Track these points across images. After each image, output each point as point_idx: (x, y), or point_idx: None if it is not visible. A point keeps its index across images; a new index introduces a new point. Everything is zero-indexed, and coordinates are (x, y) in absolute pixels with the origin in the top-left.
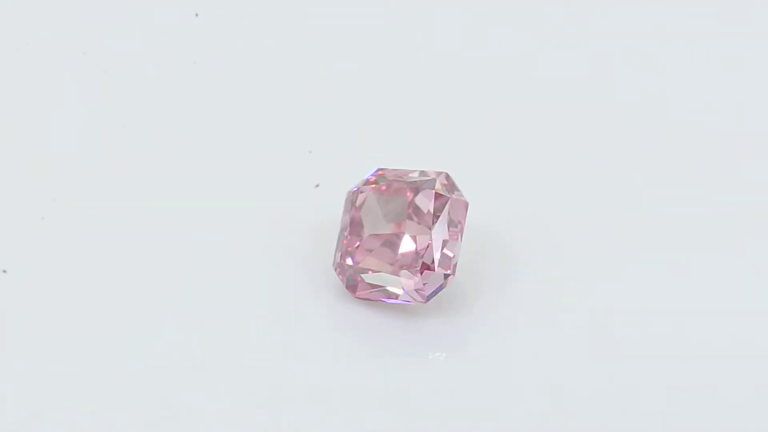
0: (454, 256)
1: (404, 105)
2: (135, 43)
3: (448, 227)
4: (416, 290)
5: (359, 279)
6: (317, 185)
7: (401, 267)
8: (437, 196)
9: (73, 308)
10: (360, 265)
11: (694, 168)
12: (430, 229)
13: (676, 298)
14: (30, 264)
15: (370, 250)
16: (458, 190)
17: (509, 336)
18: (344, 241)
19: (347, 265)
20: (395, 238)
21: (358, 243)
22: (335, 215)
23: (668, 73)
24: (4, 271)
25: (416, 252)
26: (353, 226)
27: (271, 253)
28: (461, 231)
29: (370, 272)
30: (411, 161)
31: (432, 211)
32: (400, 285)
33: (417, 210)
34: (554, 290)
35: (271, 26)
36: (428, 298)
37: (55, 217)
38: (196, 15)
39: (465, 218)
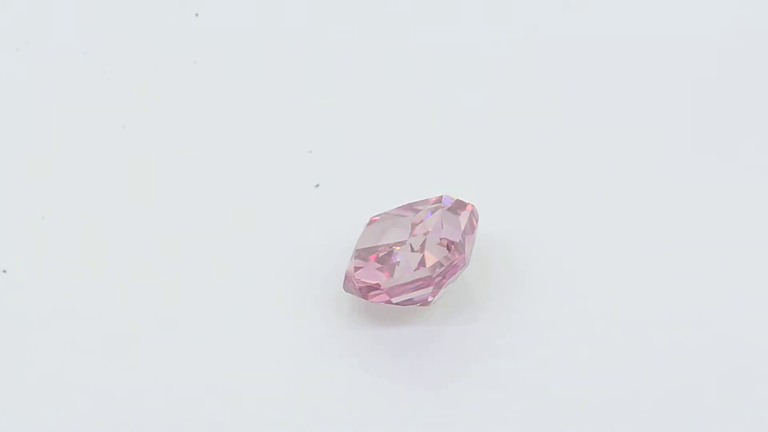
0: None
1: (407, 106)
2: (135, 43)
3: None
4: (347, 277)
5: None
6: (317, 185)
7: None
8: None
9: (73, 308)
10: (367, 227)
11: (699, 178)
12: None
13: (684, 304)
14: (30, 264)
15: (382, 228)
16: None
17: (518, 343)
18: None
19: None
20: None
21: (392, 218)
22: (335, 215)
23: (672, 90)
24: (4, 271)
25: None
26: (408, 210)
27: (271, 252)
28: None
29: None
30: (412, 162)
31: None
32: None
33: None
34: (563, 300)
35: (271, 26)
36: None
37: (55, 217)
38: (196, 15)
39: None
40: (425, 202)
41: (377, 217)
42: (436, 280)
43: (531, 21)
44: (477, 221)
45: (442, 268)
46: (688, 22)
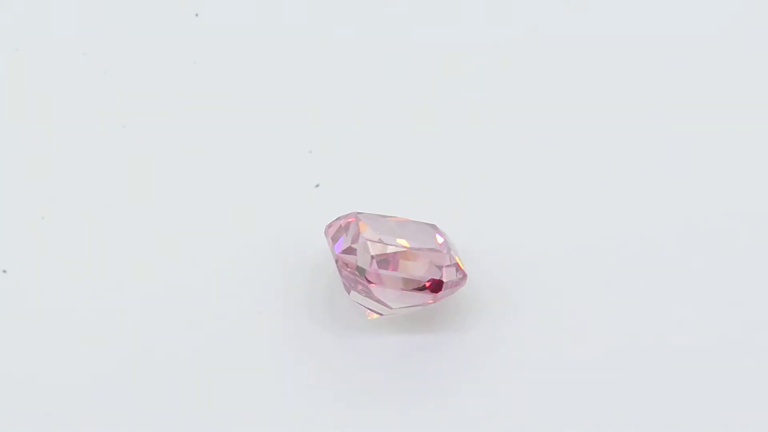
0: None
1: (407, 105)
2: (135, 43)
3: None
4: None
5: None
6: (317, 185)
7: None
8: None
9: (72, 309)
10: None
11: (698, 181)
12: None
13: (673, 320)
14: (30, 264)
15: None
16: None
17: (510, 356)
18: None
19: None
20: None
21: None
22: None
23: (672, 91)
24: (4, 271)
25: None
26: (429, 228)
27: (271, 252)
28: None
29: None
30: (412, 162)
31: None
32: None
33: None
34: (556, 313)
35: (271, 26)
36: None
37: (55, 217)
38: (196, 15)
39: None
40: (447, 245)
41: (433, 226)
42: (348, 279)
43: (531, 21)
44: (445, 289)
45: (352, 275)
46: (688, 22)
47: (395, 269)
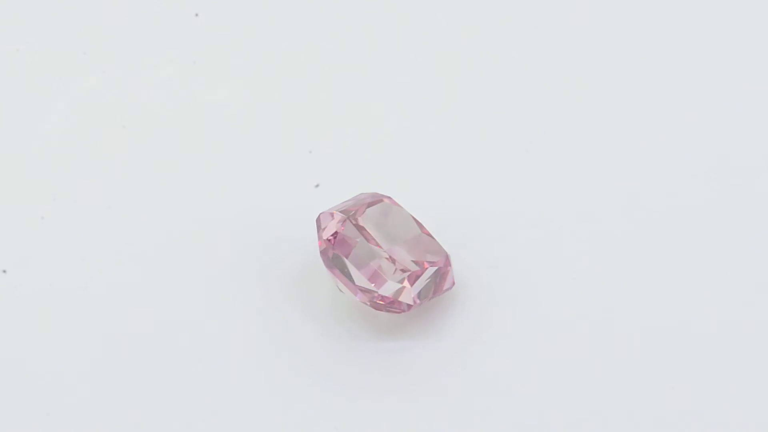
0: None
1: (407, 106)
2: (135, 43)
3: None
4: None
5: None
6: (317, 185)
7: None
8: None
9: (72, 308)
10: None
11: (692, 187)
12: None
13: (663, 314)
14: (30, 264)
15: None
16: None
17: (488, 361)
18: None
19: None
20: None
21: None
22: None
23: (672, 93)
24: (4, 271)
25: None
26: (437, 250)
27: (271, 252)
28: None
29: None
30: (412, 162)
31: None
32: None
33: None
34: (551, 313)
35: (272, 26)
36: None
37: (55, 217)
38: (196, 15)
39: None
40: (428, 276)
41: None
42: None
43: (531, 21)
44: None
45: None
46: (687, 22)
47: (346, 256)
